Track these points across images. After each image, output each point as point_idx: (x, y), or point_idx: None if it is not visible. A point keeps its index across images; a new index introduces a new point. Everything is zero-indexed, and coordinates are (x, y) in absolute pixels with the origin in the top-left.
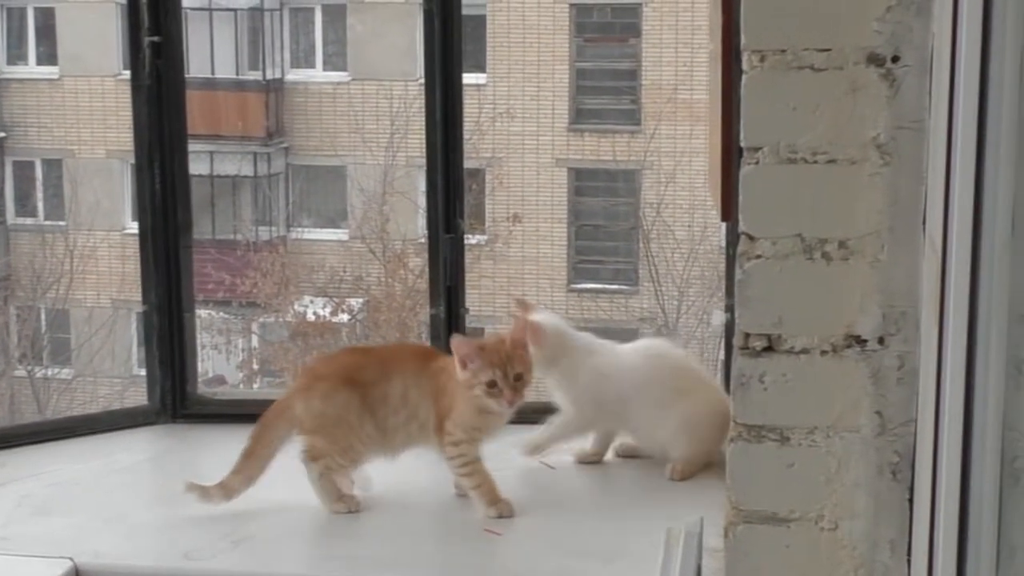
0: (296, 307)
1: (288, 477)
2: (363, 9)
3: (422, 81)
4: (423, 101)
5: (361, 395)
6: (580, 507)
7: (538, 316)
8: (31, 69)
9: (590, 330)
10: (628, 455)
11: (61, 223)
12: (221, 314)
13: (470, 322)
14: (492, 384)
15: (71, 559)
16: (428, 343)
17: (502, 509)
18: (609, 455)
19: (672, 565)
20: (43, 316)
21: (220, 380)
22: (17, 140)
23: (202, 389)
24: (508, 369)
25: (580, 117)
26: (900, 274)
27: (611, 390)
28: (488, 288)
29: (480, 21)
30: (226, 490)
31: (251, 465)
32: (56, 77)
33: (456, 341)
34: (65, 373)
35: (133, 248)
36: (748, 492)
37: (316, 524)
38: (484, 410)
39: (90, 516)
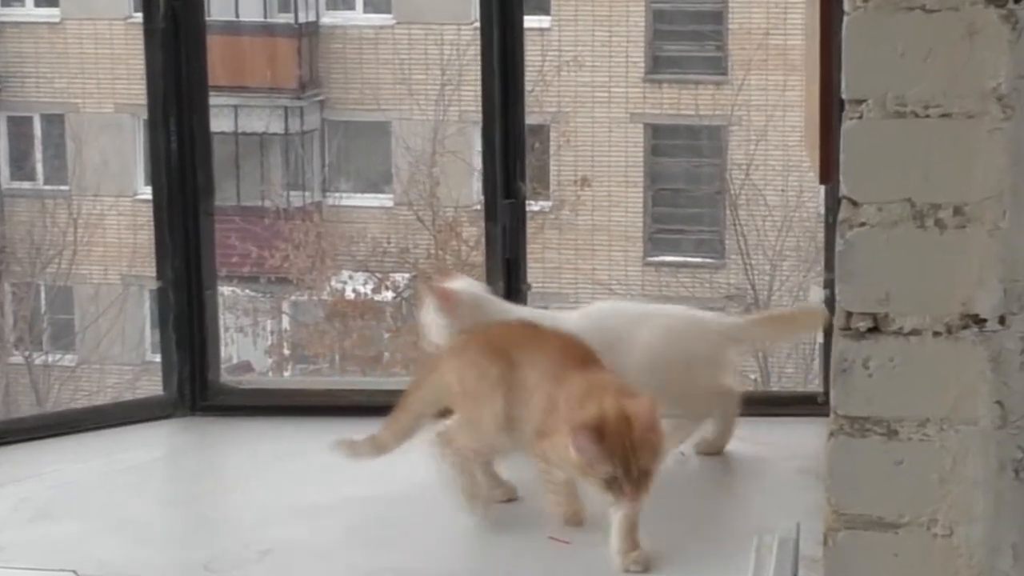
0: (333, 284)
1: (324, 475)
2: None
3: (477, 24)
4: (478, 47)
5: (508, 373)
6: (652, 510)
7: (454, 283)
8: (29, 11)
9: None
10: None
11: (63, 187)
12: (247, 291)
13: (532, 300)
14: (612, 480)
15: (74, 571)
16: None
17: (574, 520)
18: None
19: None
20: (42, 294)
21: (246, 367)
22: (13, 92)
23: (225, 377)
24: (632, 462)
25: (658, 66)
26: None
27: None
28: (553, 261)
29: None
30: (377, 444)
31: (402, 419)
32: (57, 20)
33: (578, 436)
34: (68, 359)
35: (146, 216)
36: (851, 494)
37: (356, 529)
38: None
39: (96, 522)
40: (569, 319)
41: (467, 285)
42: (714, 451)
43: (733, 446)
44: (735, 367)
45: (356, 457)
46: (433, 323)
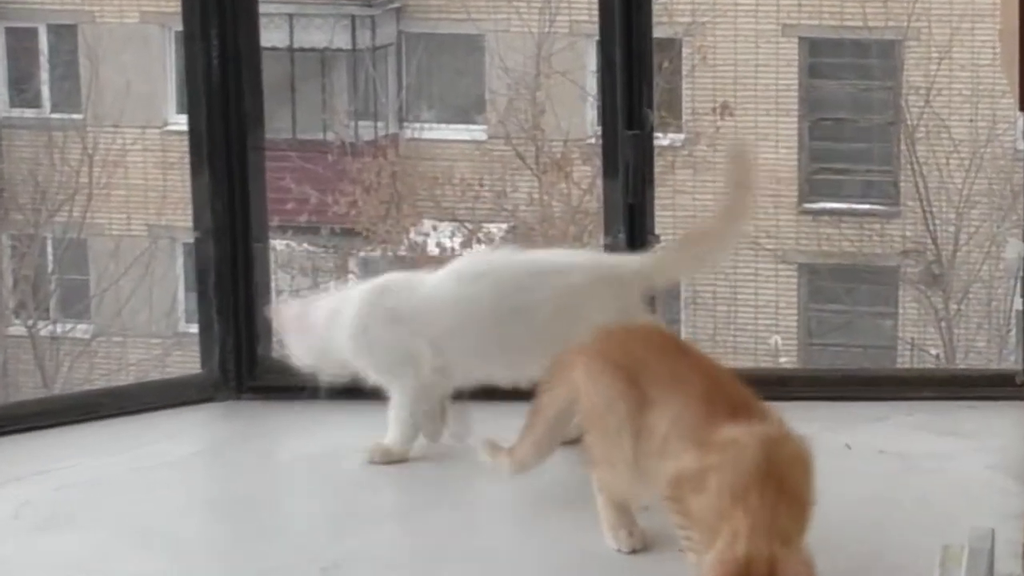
0: (412, 236)
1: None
2: None
3: None
4: None
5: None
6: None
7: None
8: None
9: (830, 267)
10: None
11: (75, 116)
12: (305, 246)
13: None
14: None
15: None
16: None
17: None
18: None
19: None
20: (49, 249)
21: None
22: None
23: (278, 352)
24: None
25: None
26: None
27: (411, 335)
28: (686, 208)
29: None
30: (514, 460)
31: (537, 434)
32: None
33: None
34: (81, 330)
35: (179, 151)
36: None
37: (434, 541)
38: None
39: (116, 532)
40: (433, 282)
41: (302, 305)
42: None
43: (912, 438)
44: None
45: (495, 467)
46: (294, 345)
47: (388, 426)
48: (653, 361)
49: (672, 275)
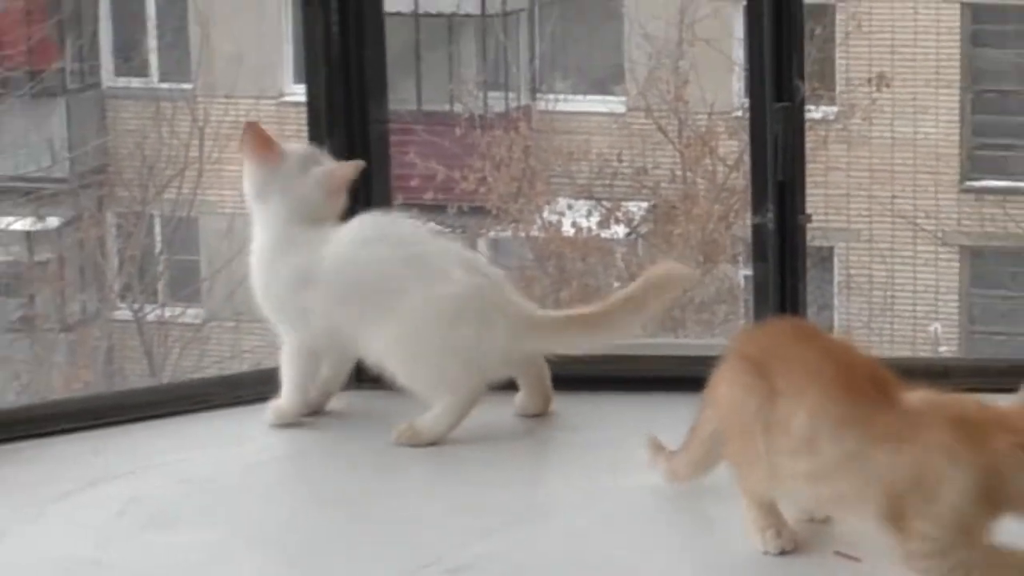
0: (546, 215)
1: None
2: None
3: None
4: None
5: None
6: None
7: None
8: None
9: (994, 250)
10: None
11: (185, 86)
12: (432, 224)
13: (812, 238)
14: None
15: None
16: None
17: None
18: None
19: None
20: (157, 228)
21: None
22: None
23: None
24: None
25: None
26: None
27: (308, 300)
28: (839, 186)
29: None
30: (669, 468)
31: (692, 445)
32: None
33: None
34: (191, 315)
35: (297, 124)
36: None
37: (575, 543)
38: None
39: (231, 531)
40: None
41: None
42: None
43: None
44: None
45: (653, 467)
46: (246, 171)
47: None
48: (786, 353)
49: (542, 344)
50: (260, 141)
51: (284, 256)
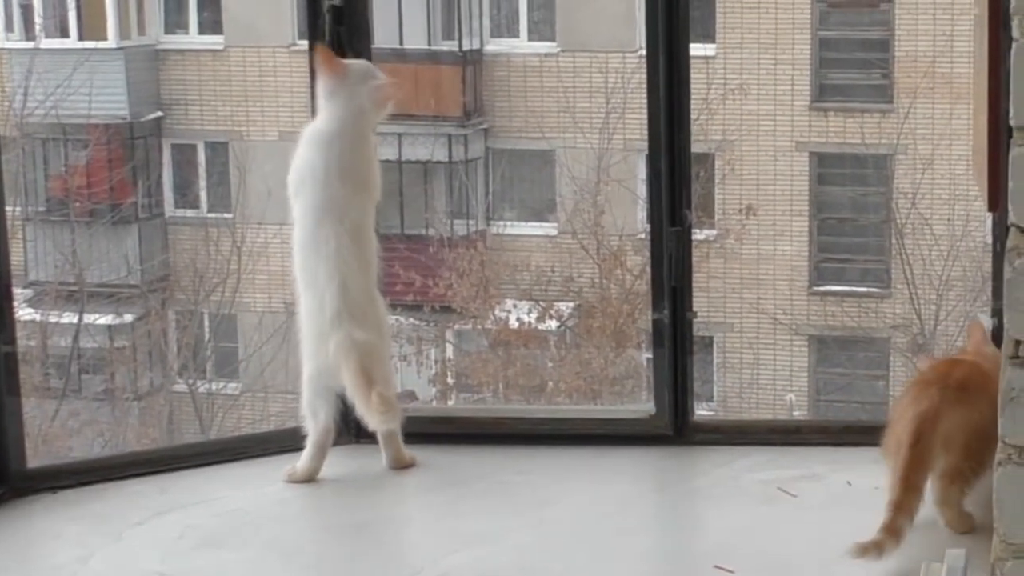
0: (497, 312)
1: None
2: None
3: (643, 52)
4: (644, 75)
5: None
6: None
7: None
8: (192, 39)
9: (834, 338)
10: None
11: (227, 215)
12: (411, 320)
13: (698, 329)
14: None
15: None
16: None
17: None
18: None
19: None
20: (206, 322)
21: (410, 395)
22: (177, 120)
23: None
24: None
25: (823, 94)
26: None
27: None
28: (718, 290)
29: None
30: (894, 533)
31: (911, 497)
32: (221, 48)
33: None
34: (231, 388)
35: None
36: (1019, 523)
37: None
38: None
39: (265, 550)
40: None
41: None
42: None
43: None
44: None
45: (879, 557)
46: (321, 87)
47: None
48: (953, 376)
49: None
50: (327, 58)
51: (340, 140)
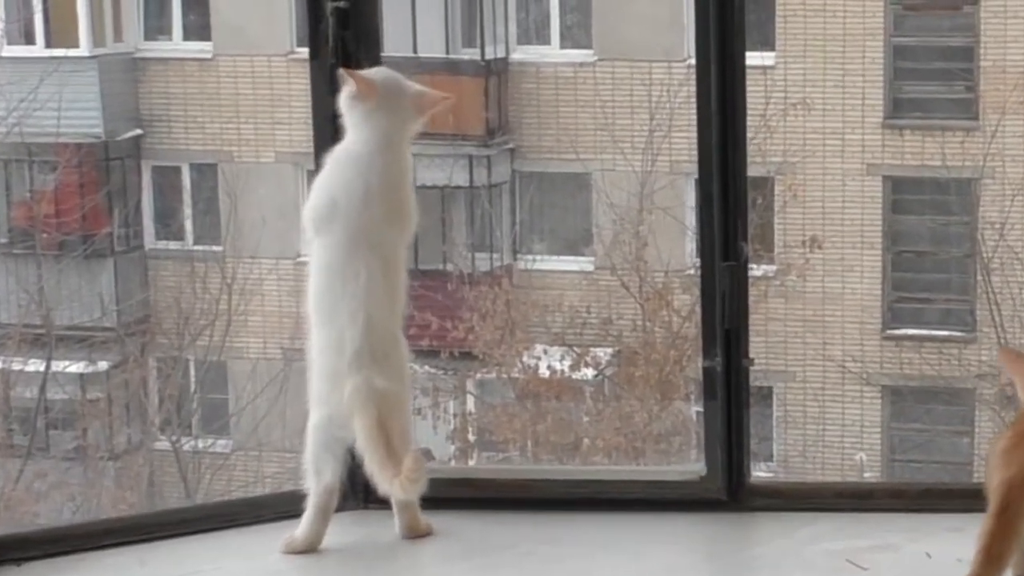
0: (525, 359)
1: None
2: None
3: (691, 61)
4: (693, 87)
5: None
6: None
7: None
8: (176, 46)
9: (911, 389)
10: None
11: (215, 248)
12: (427, 368)
13: (755, 378)
14: None
15: None
16: None
17: None
18: None
19: None
20: (192, 370)
21: (426, 454)
22: (158, 139)
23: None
24: None
25: (898, 109)
26: None
27: None
28: (778, 334)
29: None
30: None
31: (993, 571)
32: (209, 56)
33: None
34: (221, 445)
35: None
36: None
37: None
38: None
39: None
40: None
41: (382, 71)
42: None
43: None
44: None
45: None
46: (348, 108)
47: None
48: None
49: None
50: (359, 82)
51: (381, 159)
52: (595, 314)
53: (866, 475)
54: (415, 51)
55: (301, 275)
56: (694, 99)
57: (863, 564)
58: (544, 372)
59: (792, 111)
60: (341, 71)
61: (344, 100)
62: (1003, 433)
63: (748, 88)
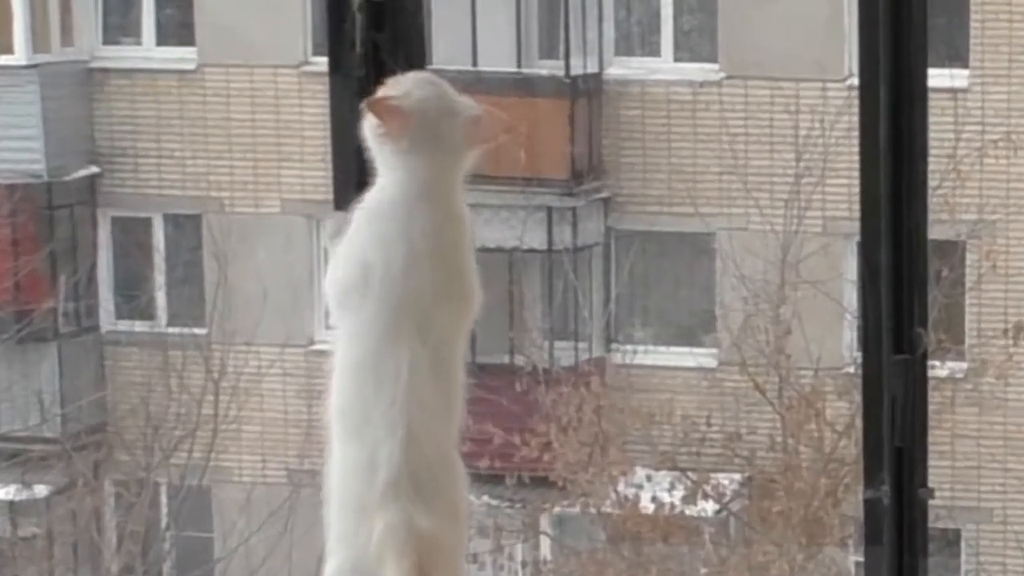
0: (621, 488)
1: None
2: None
3: (853, 81)
4: (855, 117)
5: None
6: None
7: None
8: (147, 52)
9: None
10: None
11: (198, 331)
12: (485, 498)
13: (936, 517)
14: None
15: None
16: None
17: None
18: None
19: None
20: (164, 499)
21: None
22: (121, 180)
23: None
24: None
25: None
26: None
27: None
28: (968, 456)
29: None
30: None
31: None
32: (192, 67)
33: None
34: None
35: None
36: None
37: None
38: None
39: None
40: None
41: (417, 85)
42: None
43: None
44: None
45: None
46: (376, 145)
47: None
48: None
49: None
50: (386, 112)
51: (427, 207)
52: (718, 427)
53: None
54: (475, 64)
55: (316, 369)
56: (856, 132)
57: None
58: (647, 506)
59: (991, 150)
60: (369, 103)
61: (368, 134)
62: None
63: (932, 118)
